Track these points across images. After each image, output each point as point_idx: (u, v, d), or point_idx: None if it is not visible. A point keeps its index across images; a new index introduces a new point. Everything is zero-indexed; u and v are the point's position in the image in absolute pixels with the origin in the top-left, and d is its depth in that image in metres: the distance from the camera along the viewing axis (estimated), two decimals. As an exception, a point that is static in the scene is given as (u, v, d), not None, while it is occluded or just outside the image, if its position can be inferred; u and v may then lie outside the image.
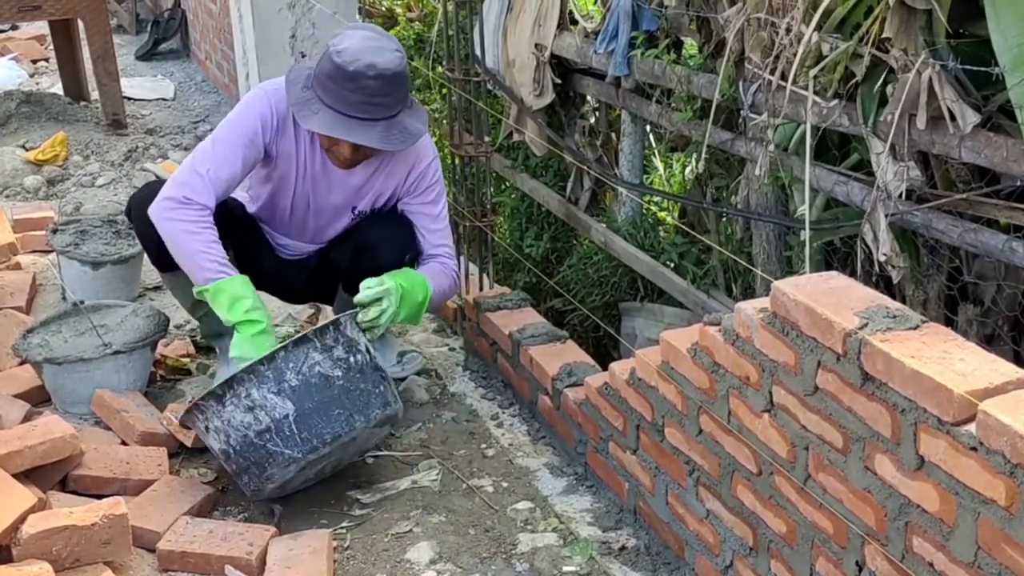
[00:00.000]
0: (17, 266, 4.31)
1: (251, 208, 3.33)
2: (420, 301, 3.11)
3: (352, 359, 2.85)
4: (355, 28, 3.08)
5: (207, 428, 2.79)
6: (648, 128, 4.77)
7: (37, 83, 7.55)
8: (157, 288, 4.25)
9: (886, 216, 2.98)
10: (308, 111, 2.95)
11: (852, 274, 3.01)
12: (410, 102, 3.06)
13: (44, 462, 2.78)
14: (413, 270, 3.19)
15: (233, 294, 2.95)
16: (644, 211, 4.70)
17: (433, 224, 3.26)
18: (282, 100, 3.06)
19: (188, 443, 3.11)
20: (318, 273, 3.41)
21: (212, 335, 3.49)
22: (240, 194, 3.30)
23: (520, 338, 3.34)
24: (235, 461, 2.78)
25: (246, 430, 2.74)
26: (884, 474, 1.94)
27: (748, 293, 3.96)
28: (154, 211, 3.01)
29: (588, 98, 5.01)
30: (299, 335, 2.80)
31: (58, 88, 6.92)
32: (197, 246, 2.96)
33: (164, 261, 3.14)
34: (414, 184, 3.22)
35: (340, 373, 2.80)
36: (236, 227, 3.21)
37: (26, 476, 2.72)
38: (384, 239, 3.21)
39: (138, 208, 3.14)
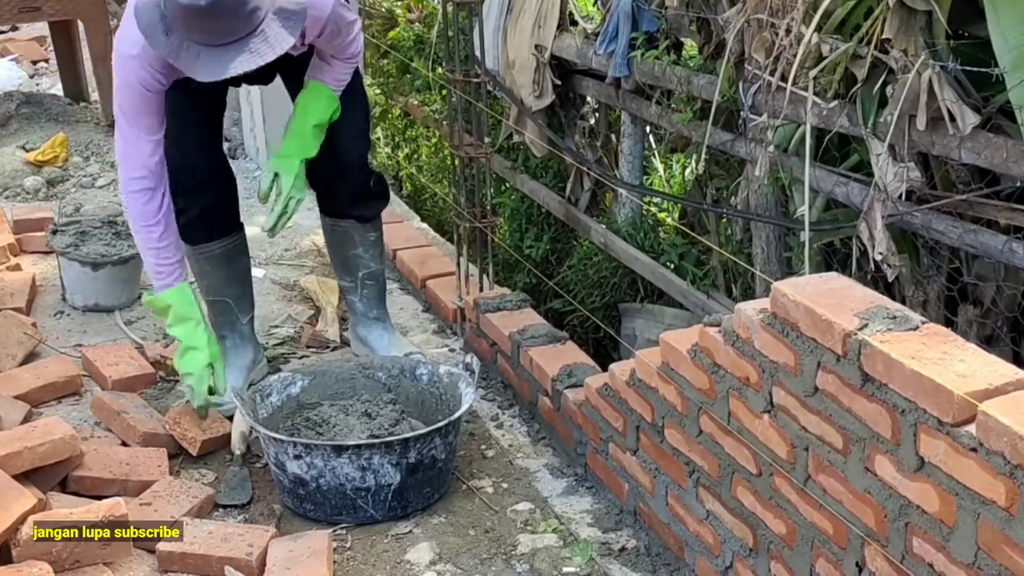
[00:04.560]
0: (17, 267, 4.31)
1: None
2: (319, 121, 3.15)
3: (455, 441, 2.96)
4: None
5: (296, 456, 2.80)
6: (648, 129, 4.77)
7: (37, 84, 7.55)
8: (157, 289, 4.25)
9: (883, 215, 2.98)
10: (187, 56, 2.73)
11: (852, 275, 3.01)
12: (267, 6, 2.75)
13: (44, 463, 2.78)
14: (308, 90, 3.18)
15: (162, 310, 3.08)
16: (644, 212, 4.70)
17: (346, 54, 3.17)
18: (151, 52, 2.85)
19: (194, 452, 3.10)
20: None
21: (215, 334, 3.48)
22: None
23: (520, 339, 3.34)
24: (307, 491, 2.82)
25: (347, 482, 2.79)
26: (884, 475, 1.94)
27: (748, 294, 3.96)
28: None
29: (588, 99, 5.01)
30: (436, 425, 2.86)
31: (58, 89, 6.91)
32: (144, 253, 3.08)
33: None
34: (319, 39, 3.09)
35: (444, 456, 2.90)
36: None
37: (26, 477, 2.72)
38: (342, 161, 3.27)
39: None
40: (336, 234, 3.50)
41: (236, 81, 3.44)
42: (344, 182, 3.30)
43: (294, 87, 3.36)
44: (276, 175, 3.12)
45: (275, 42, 2.72)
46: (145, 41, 2.77)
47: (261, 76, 3.45)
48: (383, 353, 3.49)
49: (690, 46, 4.19)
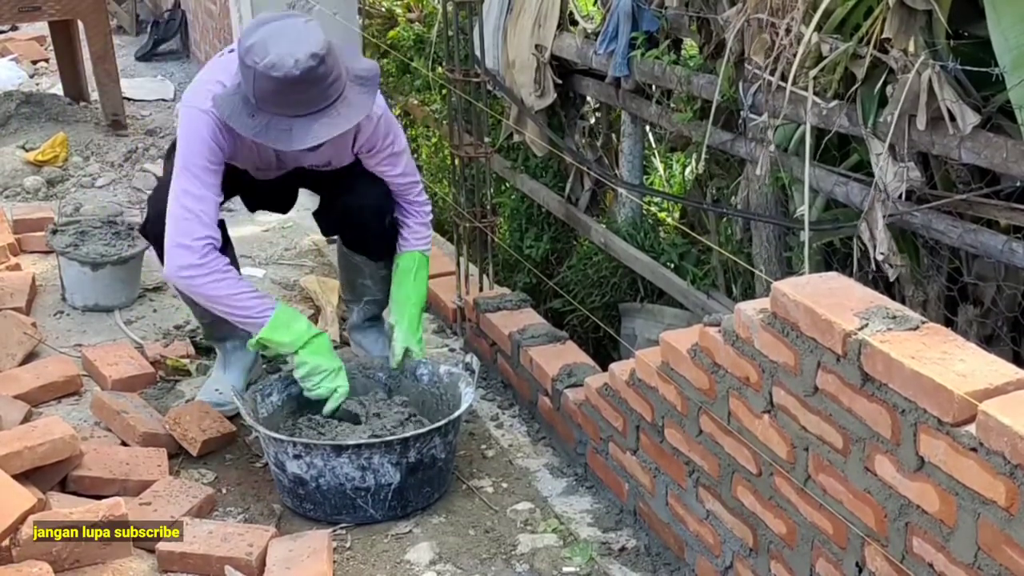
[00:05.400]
0: (17, 267, 4.31)
1: None
2: (424, 288, 3.34)
3: (455, 441, 2.96)
4: (256, 30, 2.83)
5: (296, 455, 2.80)
6: (648, 129, 4.77)
7: (37, 84, 7.55)
8: (157, 289, 4.25)
9: (884, 215, 2.98)
10: (278, 132, 2.83)
11: (852, 275, 3.01)
12: (346, 74, 2.89)
13: (44, 463, 2.78)
14: (409, 260, 3.31)
15: (285, 323, 3.00)
16: (644, 212, 4.70)
17: (397, 172, 3.25)
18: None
19: (194, 452, 3.10)
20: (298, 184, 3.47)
21: (215, 338, 3.48)
22: None
23: (520, 339, 3.34)
24: (307, 491, 2.83)
25: (347, 481, 2.79)
26: (884, 475, 1.94)
27: (748, 294, 3.96)
28: (173, 277, 3.00)
29: (588, 99, 5.01)
30: (435, 425, 2.86)
31: (58, 89, 6.91)
32: (228, 302, 2.97)
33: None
34: (366, 144, 3.16)
35: (444, 456, 2.90)
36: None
37: (26, 477, 2.72)
38: (365, 208, 3.31)
39: (156, 245, 3.16)
40: (349, 261, 3.56)
41: (255, 205, 3.61)
42: (361, 230, 3.39)
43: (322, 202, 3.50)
44: (407, 349, 3.22)
45: (357, 106, 2.87)
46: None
47: (284, 200, 3.59)
48: (378, 354, 3.50)
49: (690, 46, 4.19)
